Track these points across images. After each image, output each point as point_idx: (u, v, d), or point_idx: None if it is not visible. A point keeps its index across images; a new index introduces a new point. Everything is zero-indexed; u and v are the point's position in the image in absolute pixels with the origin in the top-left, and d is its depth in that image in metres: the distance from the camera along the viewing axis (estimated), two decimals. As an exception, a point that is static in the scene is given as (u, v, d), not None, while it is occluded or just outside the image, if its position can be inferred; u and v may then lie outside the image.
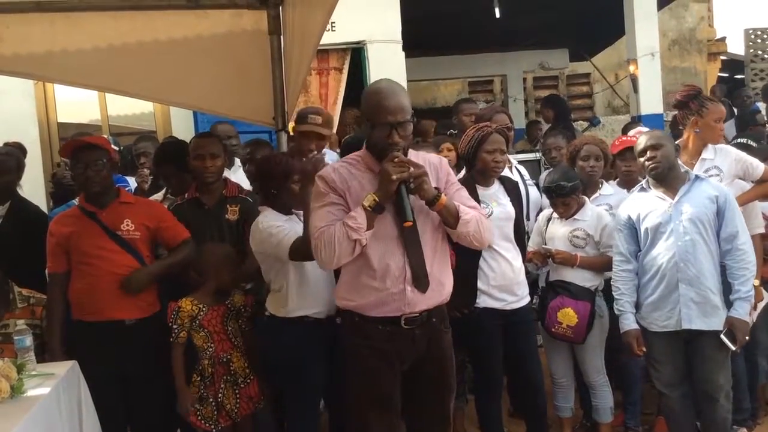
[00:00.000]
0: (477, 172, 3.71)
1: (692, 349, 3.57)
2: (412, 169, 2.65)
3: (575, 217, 3.98)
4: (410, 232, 2.75)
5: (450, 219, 2.79)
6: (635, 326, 3.65)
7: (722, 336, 3.46)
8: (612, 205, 4.17)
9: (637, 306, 3.68)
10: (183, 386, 3.45)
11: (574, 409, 4.20)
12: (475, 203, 3.01)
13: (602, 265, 3.94)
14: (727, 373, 3.58)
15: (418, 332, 2.82)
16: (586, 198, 4.09)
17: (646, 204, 3.65)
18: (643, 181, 3.74)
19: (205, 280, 3.54)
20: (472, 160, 3.71)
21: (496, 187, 3.73)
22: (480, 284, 3.58)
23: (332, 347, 3.35)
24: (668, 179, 3.61)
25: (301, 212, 3.43)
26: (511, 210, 3.68)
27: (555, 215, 4.05)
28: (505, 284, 3.61)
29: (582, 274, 3.92)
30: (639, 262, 3.67)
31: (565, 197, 3.93)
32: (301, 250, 3.13)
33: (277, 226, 3.27)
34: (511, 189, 3.79)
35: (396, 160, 2.65)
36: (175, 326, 3.44)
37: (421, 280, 2.77)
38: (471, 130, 3.75)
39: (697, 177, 3.63)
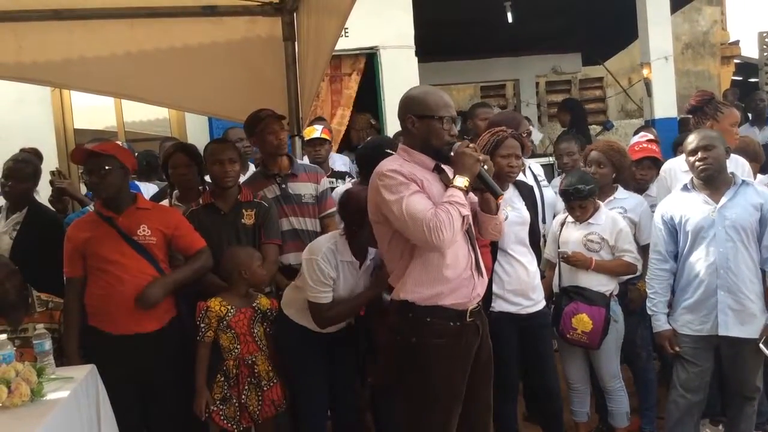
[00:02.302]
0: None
1: (729, 353, 3.57)
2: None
3: (589, 221, 3.97)
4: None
5: (493, 204, 2.94)
6: (668, 326, 3.67)
7: (761, 345, 3.47)
8: (627, 209, 4.16)
9: (671, 307, 3.69)
10: (202, 386, 3.47)
11: (590, 413, 4.19)
12: None
13: (618, 269, 3.93)
14: (761, 375, 3.62)
15: (478, 323, 2.94)
16: (601, 202, 4.08)
17: (689, 206, 3.63)
18: (687, 181, 3.72)
19: (233, 283, 3.57)
20: (487, 165, 3.72)
21: (511, 192, 3.73)
22: (495, 288, 3.57)
23: (332, 352, 3.49)
24: (716, 182, 3.59)
25: (374, 252, 3.42)
26: (526, 214, 3.68)
27: (569, 219, 4.04)
28: (520, 288, 3.61)
29: (596, 278, 3.91)
30: (679, 265, 3.67)
31: (582, 200, 3.92)
32: (322, 318, 3.33)
33: (328, 276, 3.30)
34: (526, 193, 3.79)
35: (470, 146, 2.84)
36: (202, 325, 3.47)
37: (479, 265, 2.93)
38: (486, 135, 3.75)
39: (743, 182, 3.61)
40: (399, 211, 2.71)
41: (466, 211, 2.77)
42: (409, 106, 2.91)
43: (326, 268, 3.30)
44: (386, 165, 2.83)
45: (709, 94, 4.30)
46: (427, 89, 2.99)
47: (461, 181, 2.77)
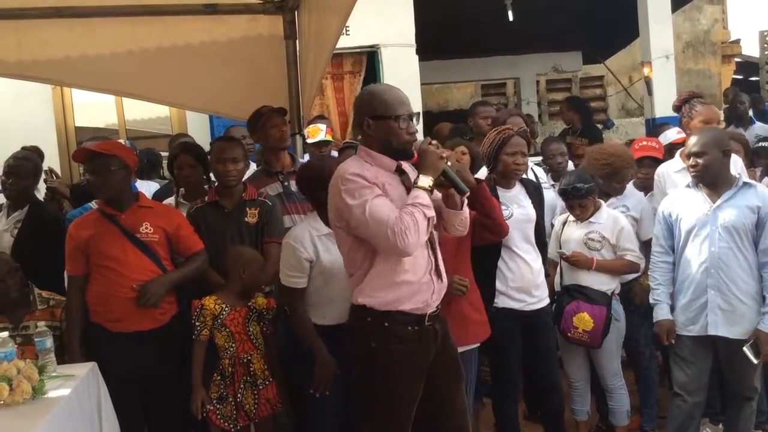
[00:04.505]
0: (498, 174, 3.72)
1: (725, 353, 3.57)
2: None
3: (590, 219, 3.97)
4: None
5: (458, 200, 2.87)
6: (669, 317, 3.66)
7: (744, 348, 3.44)
8: (629, 207, 4.17)
9: (672, 308, 3.68)
10: (199, 385, 3.46)
11: (591, 412, 4.19)
12: None
13: (619, 268, 3.93)
14: (759, 375, 3.61)
15: (437, 327, 2.88)
16: (602, 201, 4.08)
17: (687, 203, 3.64)
18: (690, 180, 3.72)
19: (230, 281, 3.57)
20: (493, 163, 3.72)
21: (518, 189, 3.75)
22: (498, 285, 3.59)
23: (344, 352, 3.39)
24: (715, 183, 3.58)
25: None
26: (531, 212, 3.69)
27: (570, 218, 4.05)
28: (523, 285, 3.62)
29: (598, 277, 3.90)
30: (675, 262, 3.68)
31: (582, 199, 3.93)
32: (291, 305, 3.35)
33: (304, 260, 3.27)
34: (533, 191, 3.80)
35: (433, 142, 2.77)
36: (197, 323, 3.46)
37: (440, 269, 2.87)
38: (492, 133, 3.76)
39: (745, 183, 3.60)
40: (362, 216, 2.65)
41: (431, 213, 2.69)
42: (363, 108, 2.82)
43: (301, 252, 3.27)
44: (348, 168, 2.75)
45: (690, 93, 4.38)
46: (381, 88, 2.91)
47: (425, 181, 2.70)
